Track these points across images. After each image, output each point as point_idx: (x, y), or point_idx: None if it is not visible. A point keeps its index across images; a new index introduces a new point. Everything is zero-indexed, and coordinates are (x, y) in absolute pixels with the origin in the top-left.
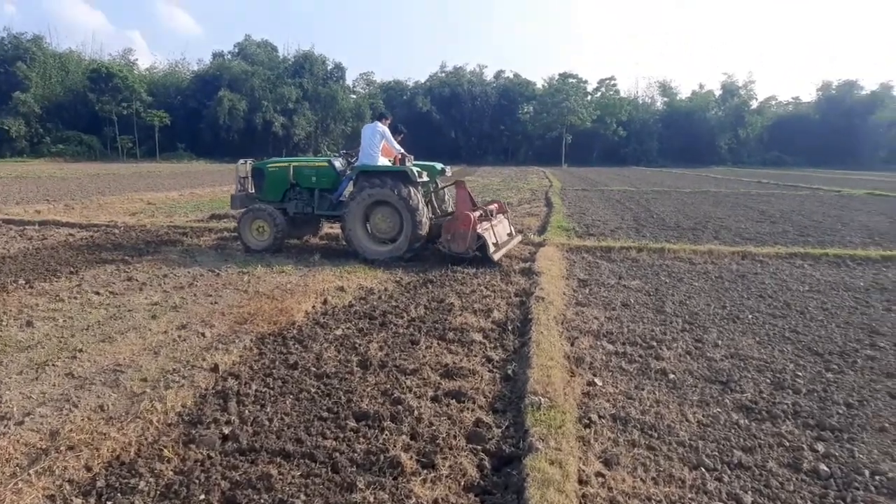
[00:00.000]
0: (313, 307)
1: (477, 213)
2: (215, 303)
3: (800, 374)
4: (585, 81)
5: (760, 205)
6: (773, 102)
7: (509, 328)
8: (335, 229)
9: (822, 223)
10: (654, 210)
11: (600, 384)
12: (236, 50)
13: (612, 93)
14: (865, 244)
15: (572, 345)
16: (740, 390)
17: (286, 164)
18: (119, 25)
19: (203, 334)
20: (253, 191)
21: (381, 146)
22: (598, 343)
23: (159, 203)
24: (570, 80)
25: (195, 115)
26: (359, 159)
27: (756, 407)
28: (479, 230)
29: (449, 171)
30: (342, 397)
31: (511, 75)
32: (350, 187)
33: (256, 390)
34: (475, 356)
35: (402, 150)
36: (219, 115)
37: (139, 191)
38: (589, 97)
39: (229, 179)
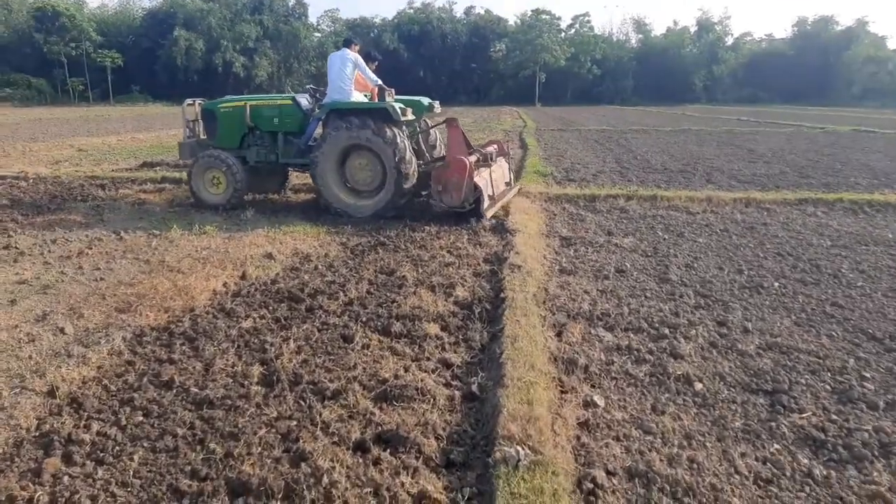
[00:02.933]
0: (224, 285)
1: (473, 158)
2: (101, 279)
3: (867, 374)
4: (559, 18)
5: (747, 143)
6: (748, 39)
7: (476, 312)
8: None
9: (818, 163)
10: (636, 151)
11: (602, 405)
12: None
13: (586, 30)
14: (875, 186)
15: (559, 337)
16: (796, 407)
17: (242, 103)
18: None
19: (62, 330)
20: (204, 136)
21: (353, 78)
22: (593, 331)
23: (92, 149)
24: (544, 16)
25: (150, 56)
26: (328, 95)
27: (828, 440)
28: (475, 178)
29: (438, 106)
30: (219, 450)
31: (482, 11)
32: (320, 129)
33: (97, 434)
34: (428, 360)
35: (381, 82)
36: (175, 55)
37: (76, 136)
38: (563, 34)
39: (179, 123)
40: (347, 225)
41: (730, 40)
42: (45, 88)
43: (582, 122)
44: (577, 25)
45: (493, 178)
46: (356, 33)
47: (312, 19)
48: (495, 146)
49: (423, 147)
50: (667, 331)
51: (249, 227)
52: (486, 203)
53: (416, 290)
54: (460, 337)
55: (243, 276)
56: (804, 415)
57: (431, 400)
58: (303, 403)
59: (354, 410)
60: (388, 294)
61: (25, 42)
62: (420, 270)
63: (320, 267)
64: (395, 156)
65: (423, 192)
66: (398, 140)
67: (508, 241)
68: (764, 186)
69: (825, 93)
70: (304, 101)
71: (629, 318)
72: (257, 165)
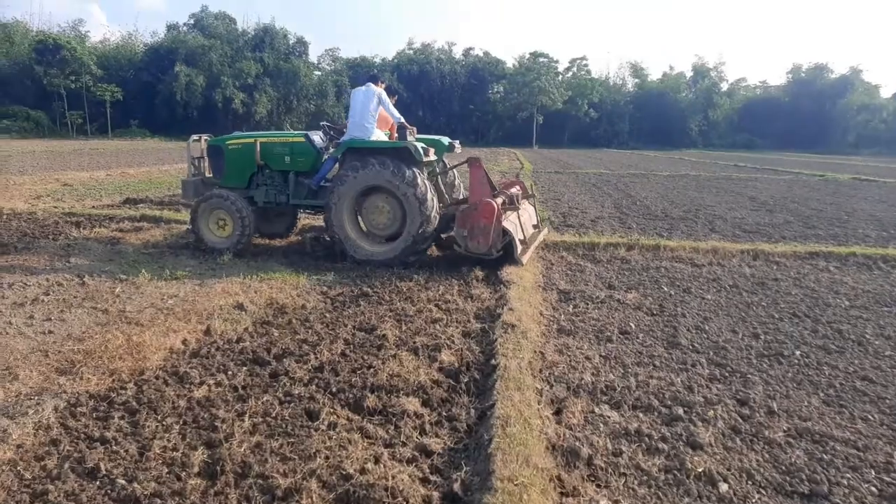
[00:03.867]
0: (184, 342)
1: (499, 200)
2: (49, 332)
3: None
4: (557, 61)
5: (747, 190)
6: (743, 84)
7: (464, 382)
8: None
9: (823, 212)
10: (635, 196)
11: None
12: (192, 21)
13: (583, 73)
14: (885, 239)
15: (558, 417)
16: None
17: (251, 140)
18: None
19: None
20: (210, 174)
21: (377, 115)
22: (597, 410)
23: (78, 184)
24: (542, 59)
25: (149, 90)
26: (348, 131)
27: None
28: (504, 223)
29: (458, 146)
30: None
31: (481, 53)
32: (335, 169)
33: None
34: (404, 445)
35: (403, 119)
36: (175, 90)
37: (65, 170)
38: (560, 77)
39: (174, 157)
40: (331, 272)
41: (725, 86)
42: (44, 121)
43: (579, 164)
44: (574, 69)
45: (521, 222)
46: (356, 73)
47: (313, 58)
48: (518, 186)
49: (443, 188)
50: (681, 411)
51: (225, 272)
52: (518, 248)
53: (397, 353)
54: (444, 414)
55: (207, 332)
56: None
57: None
58: None
59: None
60: (365, 357)
61: (26, 74)
62: (403, 328)
63: (294, 321)
64: (417, 199)
65: (443, 235)
66: (419, 181)
67: (502, 295)
68: (770, 237)
69: (820, 140)
70: (317, 138)
71: (637, 392)
72: (266, 207)
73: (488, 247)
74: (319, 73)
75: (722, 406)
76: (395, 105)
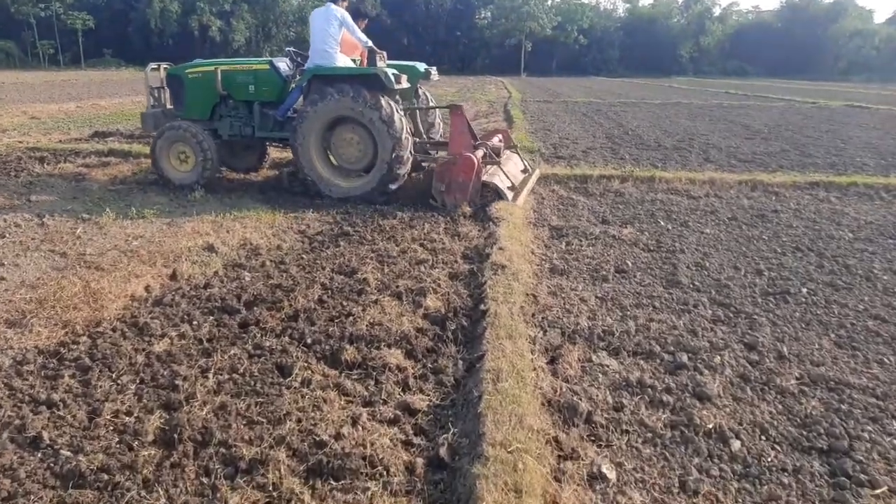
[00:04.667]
0: (147, 288)
1: (480, 154)
2: (0, 279)
3: None
4: None
5: (740, 118)
6: (735, 10)
7: (450, 330)
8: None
9: (818, 140)
10: (626, 125)
11: (614, 479)
12: None
13: None
14: (884, 168)
15: (553, 367)
16: (866, 479)
17: (212, 68)
18: None
19: None
20: (171, 106)
21: (339, 38)
22: (595, 358)
23: (46, 117)
24: None
25: (122, 18)
26: (310, 58)
27: None
28: (485, 177)
29: (435, 73)
30: None
31: None
32: (302, 99)
33: None
34: (385, 403)
35: (371, 43)
36: (149, 17)
37: (36, 102)
38: (549, 2)
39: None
40: (310, 209)
41: (717, 11)
42: (14, 51)
43: (568, 93)
44: None
45: (504, 170)
46: None
47: None
48: (500, 135)
49: (420, 125)
50: (685, 357)
51: (195, 210)
52: (509, 195)
53: (379, 299)
54: (429, 367)
55: (173, 276)
56: (878, 491)
57: (384, 474)
58: (205, 482)
59: (274, 496)
60: (344, 304)
61: None
62: (386, 270)
63: (268, 264)
64: (384, 121)
65: (413, 174)
66: (382, 103)
67: (491, 233)
68: (767, 166)
69: (811, 66)
70: (283, 66)
71: (637, 337)
72: (231, 139)
73: (465, 202)
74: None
75: (729, 352)
76: (371, 30)
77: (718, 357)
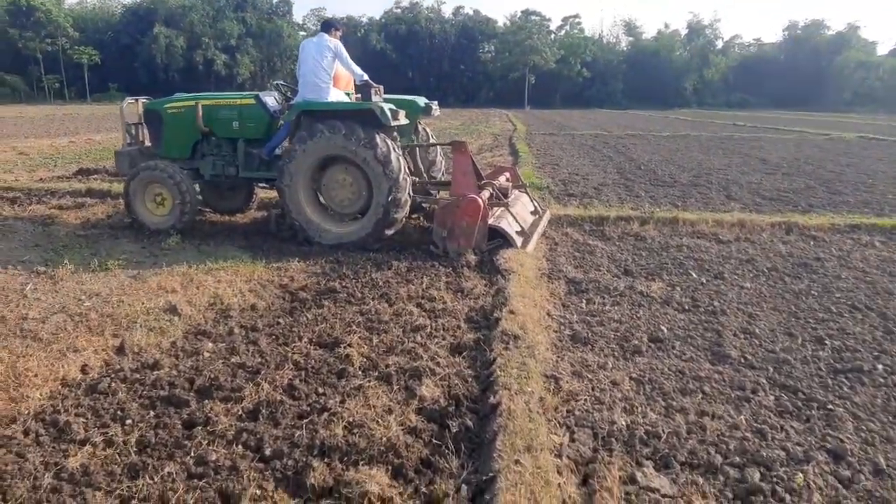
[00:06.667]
0: (84, 368)
1: (486, 195)
2: None
3: None
4: (549, 20)
5: (755, 151)
6: (738, 42)
7: (451, 432)
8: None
9: (843, 175)
10: (637, 158)
11: None
12: None
13: (576, 31)
14: None
15: (587, 490)
16: None
17: (193, 102)
18: None
19: None
20: (149, 144)
21: (333, 71)
22: (640, 477)
23: (36, 153)
24: (533, 17)
25: (129, 53)
26: (300, 92)
27: None
28: (492, 221)
29: (436, 107)
30: None
31: (471, 12)
32: (289, 136)
33: None
34: None
35: (365, 76)
36: (155, 52)
37: (30, 137)
38: (552, 36)
39: None
40: (296, 257)
41: (720, 44)
42: (20, 86)
43: (574, 125)
44: (567, 27)
45: (514, 212)
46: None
47: (298, 18)
48: (507, 174)
49: (420, 163)
50: (756, 475)
51: (167, 259)
52: (518, 240)
53: (363, 385)
54: (422, 492)
55: (120, 349)
56: None
57: None
58: None
59: None
60: (319, 392)
61: (0, 38)
62: (375, 341)
63: (236, 331)
64: (379, 161)
65: (414, 216)
66: (377, 141)
67: (500, 289)
68: (796, 205)
69: (815, 98)
70: (270, 100)
71: (690, 441)
72: (214, 179)
73: (471, 247)
74: (304, 33)
75: (813, 466)
76: (376, 65)
77: (800, 475)
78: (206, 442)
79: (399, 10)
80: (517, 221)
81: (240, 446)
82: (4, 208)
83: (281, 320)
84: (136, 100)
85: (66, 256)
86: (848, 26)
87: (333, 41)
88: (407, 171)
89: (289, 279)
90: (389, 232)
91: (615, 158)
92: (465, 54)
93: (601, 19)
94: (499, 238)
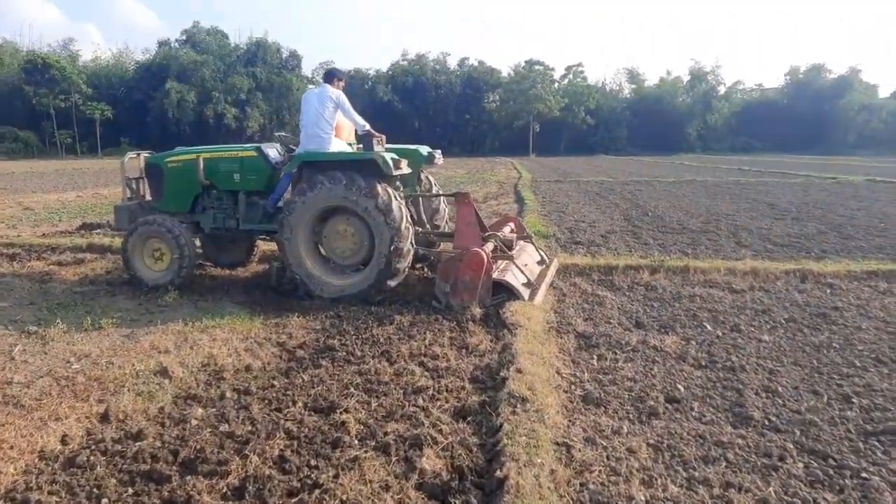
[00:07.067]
0: (65, 439)
1: (490, 248)
2: None
3: None
4: (552, 69)
5: (762, 195)
6: (740, 88)
7: None
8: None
9: (854, 220)
10: (644, 205)
11: None
12: (184, 37)
13: (579, 80)
14: None
15: None
16: None
17: (194, 156)
18: (74, 17)
19: None
20: (150, 198)
21: (334, 122)
22: None
23: (41, 207)
24: (537, 67)
25: (141, 108)
26: (301, 143)
27: None
28: (495, 274)
29: (440, 157)
30: None
31: (476, 63)
32: (291, 187)
33: None
34: None
35: (367, 126)
36: (166, 107)
37: (37, 192)
38: (556, 84)
39: None
40: (295, 312)
41: (722, 90)
42: (33, 141)
43: (579, 172)
44: (570, 76)
45: (517, 264)
46: (351, 85)
47: (307, 71)
48: (511, 224)
49: (423, 214)
50: None
51: (163, 317)
52: (524, 292)
53: (359, 457)
54: None
55: (104, 417)
56: None
57: None
58: None
59: None
60: (312, 464)
61: (15, 94)
62: (374, 405)
63: (227, 395)
64: (380, 211)
65: (417, 267)
66: (378, 191)
67: (506, 345)
68: (809, 252)
69: (819, 141)
70: (272, 152)
71: None
72: (214, 233)
73: (475, 301)
74: (313, 86)
75: None
76: (383, 115)
77: None
78: None
79: (405, 63)
80: (523, 273)
81: None
82: (3, 265)
83: (276, 382)
84: (138, 154)
85: (59, 315)
86: (849, 70)
87: (336, 91)
88: (409, 220)
89: (287, 336)
90: (392, 283)
91: (622, 205)
92: (470, 104)
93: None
94: (503, 292)
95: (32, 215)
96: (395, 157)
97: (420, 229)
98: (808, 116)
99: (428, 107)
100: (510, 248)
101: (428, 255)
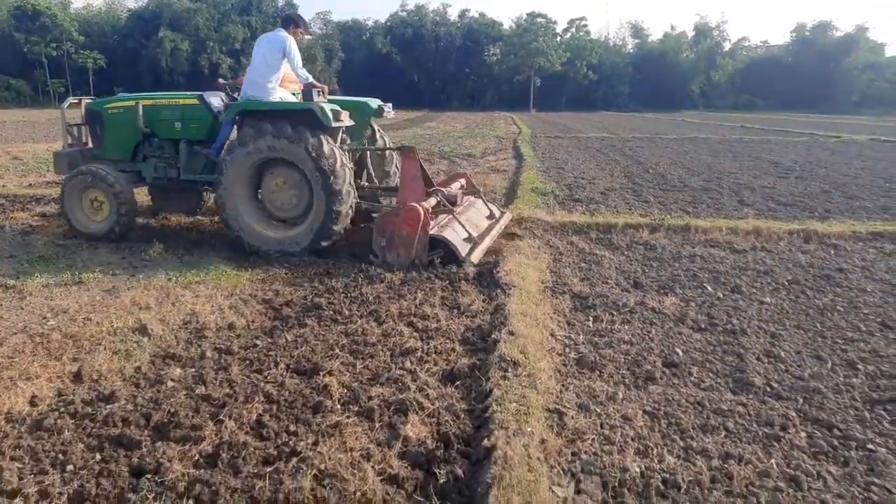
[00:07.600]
0: (33, 399)
1: (431, 202)
2: None
3: None
4: (555, 22)
5: (765, 154)
6: (745, 44)
7: (439, 479)
8: None
9: (858, 179)
10: (645, 162)
11: None
12: None
13: (582, 34)
14: None
15: None
16: None
17: (133, 103)
18: None
19: None
20: (91, 145)
21: (281, 69)
22: None
23: (30, 157)
24: (539, 20)
25: (134, 57)
26: (243, 90)
27: None
28: (433, 231)
29: (390, 110)
30: None
31: (476, 15)
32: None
33: None
34: None
35: (311, 78)
36: (160, 56)
37: (27, 141)
38: (558, 38)
39: None
40: (284, 267)
41: (727, 46)
42: (25, 90)
43: (579, 128)
44: (573, 30)
45: (461, 220)
46: (348, 37)
47: None
48: (461, 181)
49: (370, 168)
50: None
51: (146, 272)
52: (464, 248)
53: (341, 422)
54: None
55: (77, 376)
56: None
57: None
58: None
59: None
60: (291, 429)
61: (5, 42)
62: (359, 367)
63: (208, 355)
64: (321, 168)
65: (363, 225)
66: (324, 148)
67: (499, 305)
68: (813, 211)
69: (823, 100)
70: (215, 100)
71: (714, 493)
72: (157, 183)
73: (409, 260)
74: (309, 37)
75: None
76: (382, 69)
77: None
78: (153, 495)
79: (405, 14)
80: (465, 228)
81: (190, 501)
82: None
83: (259, 341)
84: (80, 99)
85: (39, 268)
86: (856, 28)
87: (289, 39)
88: (350, 173)
89: (273, 293)
90: (336, 228)
91: (622, 162)
92: (470, 57)
93: (607, 22)
94: (440, 249)
95: (21, 165)
96: (336, 108)
97: (367, 184)
98: (814, 74)
99: (427, 60)
100: (454, 204)
101: (373, 209)
